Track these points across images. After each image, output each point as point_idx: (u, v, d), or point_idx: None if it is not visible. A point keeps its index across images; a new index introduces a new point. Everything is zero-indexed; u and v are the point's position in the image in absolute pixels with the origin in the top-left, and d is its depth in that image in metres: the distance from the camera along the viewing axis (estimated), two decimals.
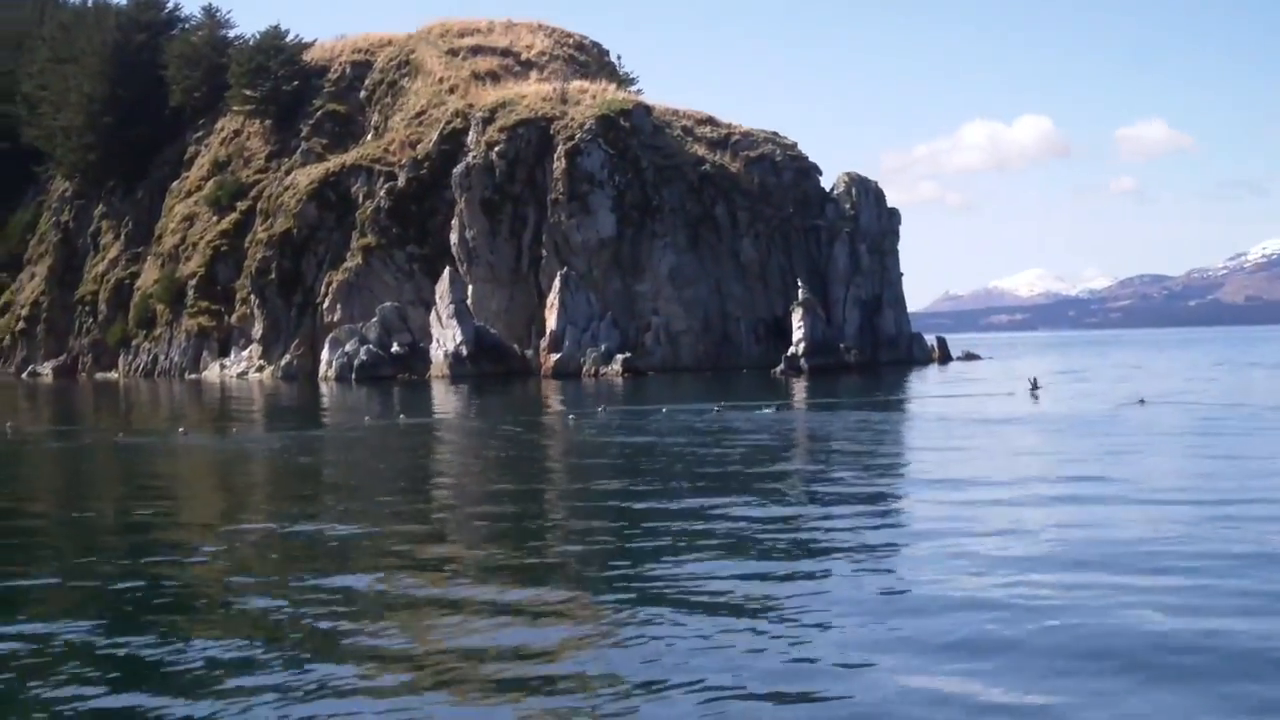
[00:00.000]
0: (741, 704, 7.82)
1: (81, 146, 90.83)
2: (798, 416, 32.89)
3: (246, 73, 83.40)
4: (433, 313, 65.49)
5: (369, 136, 78.46)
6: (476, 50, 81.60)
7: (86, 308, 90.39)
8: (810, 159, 75.11)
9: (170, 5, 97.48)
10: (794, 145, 75.03)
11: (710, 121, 74.55)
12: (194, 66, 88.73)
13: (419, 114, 75.81)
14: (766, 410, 33.13)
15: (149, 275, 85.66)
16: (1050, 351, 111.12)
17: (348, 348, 66.46)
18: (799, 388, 48.37)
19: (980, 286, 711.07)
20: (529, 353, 65.59)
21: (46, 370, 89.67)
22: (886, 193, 76.70)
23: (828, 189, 74.74)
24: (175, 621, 10.28)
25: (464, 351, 63.10)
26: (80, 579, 12.47)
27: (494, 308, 66.77)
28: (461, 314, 64.00)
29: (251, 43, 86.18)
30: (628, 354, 62.18)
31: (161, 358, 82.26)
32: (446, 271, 65.11)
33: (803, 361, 61.57)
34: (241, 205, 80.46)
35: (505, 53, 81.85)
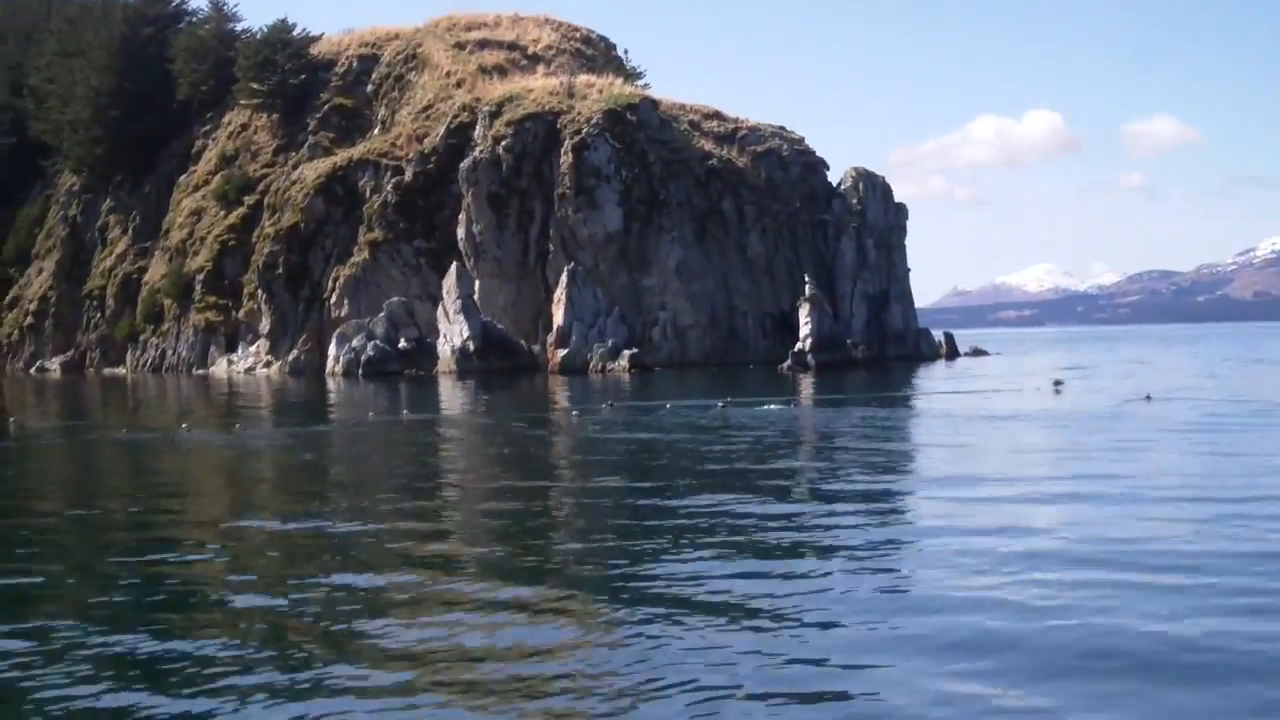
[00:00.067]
0: (742, 703, 7.76)
1: (89, 140, 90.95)
2: (803, 413, 32.80)
3: (253, 66, 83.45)
4: (440, 308, 65.48)
5: (376, 130, 78.48)
6: (483, 44, 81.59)
7: (94, 303, 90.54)
8: (817, 154, 75.06)
9: None
10: (801, 140, 74.93)
11: (717, 116, 74.45)
12: (201, 60, 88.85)
13: (426, 108, 75.81)
14: (771, 407, 33.05)
15: (156, 270, 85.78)
16: (1058, 347, 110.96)
17: (355, 343, 66.45)
18: (806, 383, 48.27)
19: (989, 282, 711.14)
20: (536, 348, 65.57)
21: (54, 365, 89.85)
22: (896, 187, 76.71)
23: (835, 184, 74.63)
24: (172, 619, 10.24)
25: (471, 347, 63.07)
26: (77, 577, 12.45)
27: (501, 303, 66.74)
28: (469, 309, 63.96)
29: (259, 36, 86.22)
30: (635, 349, 62.15)
31: (169, 353, 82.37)
32: (453, 266, 65.10)
33: (810, 357, 61.45)
34: (249, 200, 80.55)
35: (512, 47, 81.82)
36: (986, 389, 41.51)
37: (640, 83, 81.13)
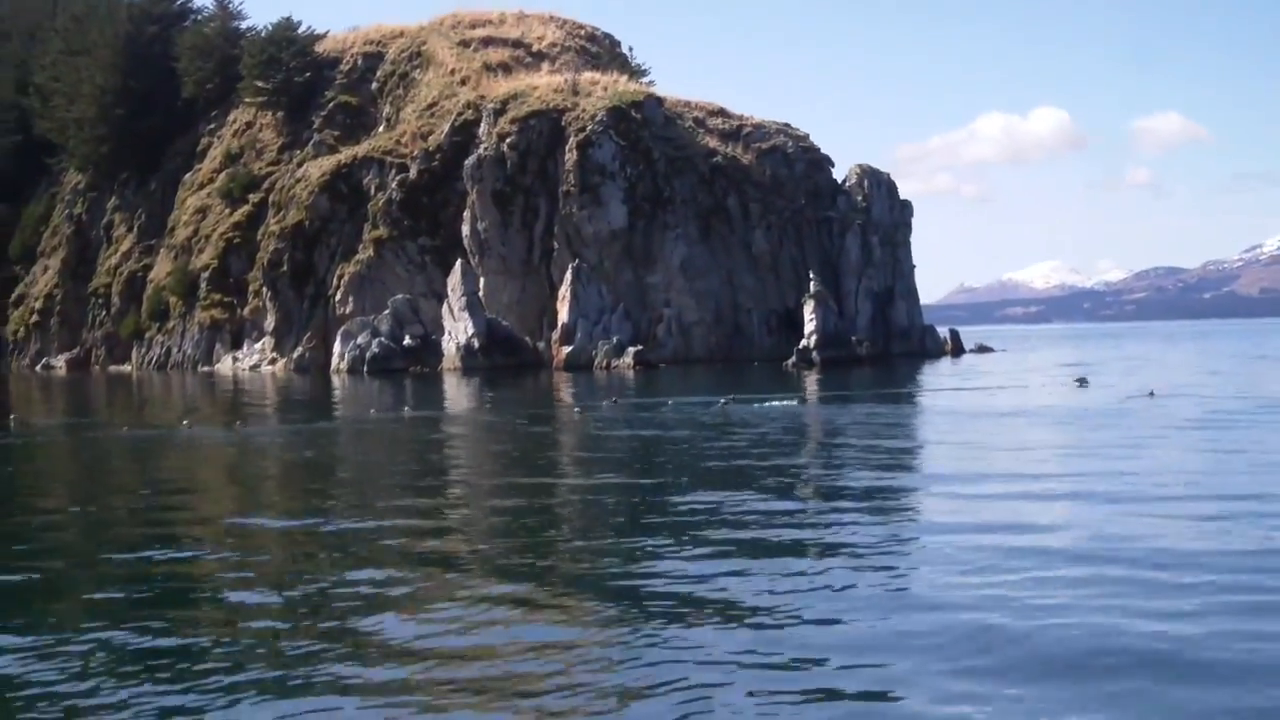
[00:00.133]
0: (742, 701, 7.72)
1: (94, 138, 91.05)
2: (807, 410, 32.76)
3: (258, 64, 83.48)
4: (444, 305, 65.47)
5: (381, 128, 78.48)
6: (488, 42, 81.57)
7: (100, 300, 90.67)
8: (822, 150, 74.99)
9: None
10: (806, 137, 74.87)
11: (722, 113, 74.39)
12: (206, 58, 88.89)
13: (430, 105, 75.80)
14: (774, 403, 33.02)
15: (162, 268, 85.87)
16: (1064, 344, 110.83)
17: (359, 340, 66.48)
18: (810, 380, 48.24)
19: (995, 279, 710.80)
20: (541, 345, 65.57)
21: (60, 363, 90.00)
22: (902, 184, 76.67)
23: (840, 181, 74.58)
24: (169, 615, 10.20)
25: (476, 344, 63.07)
26: (75, 573, 12.43)
27: (506, 300, 66.73)
28: (473, 306, 63.97)
29: (263, 34, 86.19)
30: (639, 346, 62.14)
31: (174, 350, 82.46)
32: (458, 263, 65.10)
33: (814, 354, 61.45)
34: (254, 197, 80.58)
35: (517, 44, 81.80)
36: (991, 385, 41.46)
37: (645, 80, 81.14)
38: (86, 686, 8.26)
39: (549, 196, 67.00)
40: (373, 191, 72.19)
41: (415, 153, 72.02)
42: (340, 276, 71.66)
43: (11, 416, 34.99)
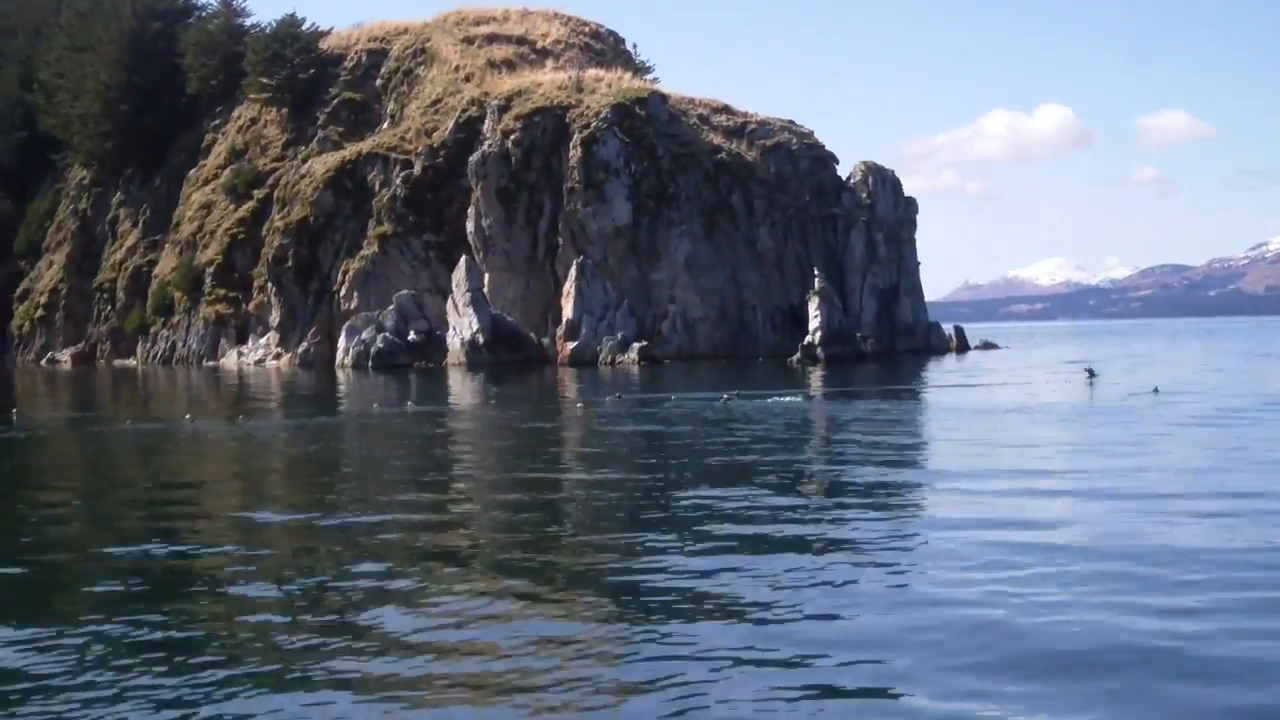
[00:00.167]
0: (742, 699, 7.70)
1: (99, 134, 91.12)
2: (811, 406, 32.72)
3: (263, 61, 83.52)
4: (449, 301, 65.50)
5: (385, 125, 78.48)
6: (492, 38, 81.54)
7: (105, 295, 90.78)
8: (827, 147, 74.87)
9: None
10: (810, 134, 74.78)
11: (726, 110, 74.31)
12: (210, 54, 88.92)
13: (435, 102, 75.77)
14: (778, 399, 32.99)
15: (167, 263, 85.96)
16: (1069, 341, 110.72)
17: (364, 335, 66.52)
18: (815, 376, 48.20)
19: (1000, 276, 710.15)
20: (546, 341, 65.57)
21: (65, 357, 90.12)
22: (907, 181, 76.73)
23: (844, 178, 74.51)
24: (169, 608, 10.19)
25: (480, 339, 63.09)
26: (76, 565, 12.42)
27: (510, 296, 66.72)
28: (478, 302, 63.99)
29: (268, 31, 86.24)
30: (644, 342, 62.14)
31: (179, 345, 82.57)
32: (463, 260, 65.12)
33: (819, 350, 61.45)
34: (258, 193, 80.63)
35: (521, 41, 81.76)
36: (995, 382, 41.41)
37: (649, 77, 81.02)
38: (86, 679, 8.26)
39: (553, 193, 66.97)
40: (377, 188, 72.20)
41: (420, 149, 72.01)
42: (345, 272, 71.69)
43: (14, 410, 35.02)
